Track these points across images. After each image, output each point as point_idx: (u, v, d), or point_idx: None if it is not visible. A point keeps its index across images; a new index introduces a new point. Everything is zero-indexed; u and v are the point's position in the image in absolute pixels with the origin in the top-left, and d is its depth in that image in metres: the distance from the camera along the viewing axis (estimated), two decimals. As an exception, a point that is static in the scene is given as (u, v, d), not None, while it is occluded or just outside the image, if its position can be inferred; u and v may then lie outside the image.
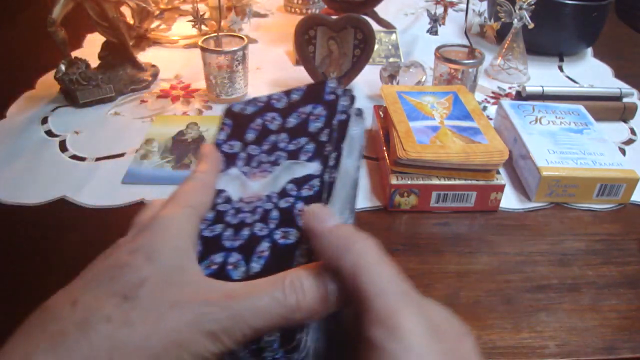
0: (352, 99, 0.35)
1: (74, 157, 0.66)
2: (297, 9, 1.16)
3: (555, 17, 0.90)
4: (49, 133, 0.71)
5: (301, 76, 0.83)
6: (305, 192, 0.32)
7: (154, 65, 0.87)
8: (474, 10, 0.91)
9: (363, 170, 0.64)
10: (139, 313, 0.24)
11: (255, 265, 0.29)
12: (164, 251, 0.27)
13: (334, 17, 0.78)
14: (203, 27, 0.79)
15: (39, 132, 0.71)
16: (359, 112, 0.36)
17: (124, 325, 0.23)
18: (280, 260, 0.29)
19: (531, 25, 0.82)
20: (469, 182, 0.57)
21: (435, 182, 0.56)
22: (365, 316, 0.23)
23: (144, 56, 0.92)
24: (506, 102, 0.72)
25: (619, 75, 0.93)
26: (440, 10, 0.87)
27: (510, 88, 0.87)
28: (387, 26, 1.01)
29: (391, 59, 0.93)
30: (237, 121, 0.39)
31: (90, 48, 0.93)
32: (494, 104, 0.81)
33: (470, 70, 0.74)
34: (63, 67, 0.75)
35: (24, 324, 0.24)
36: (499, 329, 0.45)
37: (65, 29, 0.73)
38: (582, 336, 0.44)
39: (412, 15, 1.17)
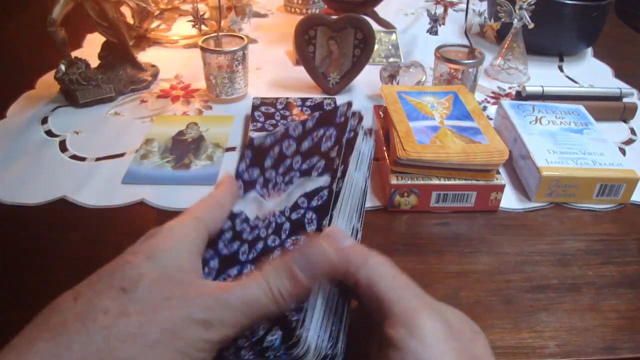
0: (361, 119, 0.37)
1: (74, 157, 0.66)
2: (297, 9, 1.16)
3: (555, 17, 0.90)
4: (49, 133, 0.71)
5: (301, 76, 0.83)
6: (314, 202, 0.33)
7: (154, 65, 0.87)
8: (474, 10, 0.91)
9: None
10: (135, 305, 0.25)
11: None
12: (164, 252, 0.28)
13: (334, 17, 0.78)
14: (203, 27, 0.79)
15: (39, 132, 0.71)
16: (369, 132, 0.38)
17: (120, 315, 0.25)
18: None
19: (531, 25, 0.82)
20: (469, 182, 0.57)
21: (435, 182, 0.56)
22: (387, 319, 0.25)
23: (144, 56, 0.92)
24: (506, 102, 0.72)
25: (619, 75, 0.93)
26: (440, 10, 0.87)
27: (510, 88, 0.87)
28: (387, 26, 1.01)
29: (391, 59, 0.93)
30: (257, 152, 0.41)
31: (90, 48, 0.93)
32: (494, 104, 0.81)
33: (470, 70, 0.74)
34: (63, 67, 0.75)
35: (32, 320, 0.26)
36: (499, 329, 0.45)
37: (65, 29, 0.73)
38: (582, 336, 0.44)
39: (412, 15, 1.18)
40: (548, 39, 0.94)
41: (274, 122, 0.70)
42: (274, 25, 1.11)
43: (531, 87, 0.77)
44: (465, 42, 0.77)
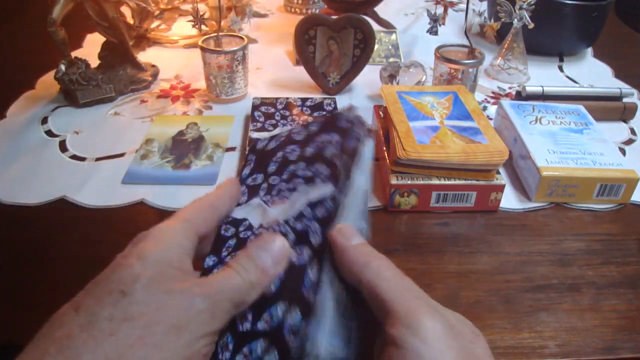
0: (367, 130, 0.37)
1: (74, 157, 0.66)
2: (297, 9, 1.16)
3: (555, 17, 0.90)
4: (49, 133, 0.71)
5: (301, 76, 0.83)
6: (318, 211, 0.33)
7: (154, 65, 0.87)
8: (474, 10, 0.91)
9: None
10: (138, 307, 0.26)
11: (272, 287, 0.30)
12: (154, 252, 0.28)
13: (334, 17, 0.78)
14: (203, 27, 0.79)
15: (39, 132, 0.71)
16: (368, 132, 0.37)
17: (125, 320, 0.25)
18: (293, 278, 0.30)
19: (531, 25, 0.82)
20: (469, 182, 0.57)
21: (435, 182, 0.56)
22: (388, 318, 0.26)
23: (144, 56, 0.92)
24: (506, 102, 0.72)
25: (619, 75, 0.93)
26: (440, 10, 0.87)
27: (510, 88, 0.87)
28: (387, 26, 1.01)
29: (391, 59, 0.93)
30: (260, 156, 0.41)
31: (90, 48, 0.93)
32: (494, 104, 0.81)
33: (470, 70, 0.74)
34: (63, 67, 0.75)
35: (34, 336, 0.25)
36: (499, 329, 0.45)
37: (65, 29, 0.73)
38: (582, 336, 0.44)
39: (412, 15, 1.18)
40: (548, 39, 0.94)
41: (274, 122, 0.70)
42: (274, 25, 1.11)
43: (531, 87, 0.77)
44: (465, 42, 0.77)
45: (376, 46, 0.85)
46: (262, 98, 0.75)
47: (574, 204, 0.60)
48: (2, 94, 0.80)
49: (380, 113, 0.68)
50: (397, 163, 0.57)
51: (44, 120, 0.74)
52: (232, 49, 0.75)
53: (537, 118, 0.68)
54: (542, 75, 0.91)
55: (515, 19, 0.84)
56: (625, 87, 0.82)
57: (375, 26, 0.87)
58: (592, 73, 0.93)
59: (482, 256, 0.53)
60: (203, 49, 0.75)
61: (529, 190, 0.61)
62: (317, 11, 1.12)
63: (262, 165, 0.40)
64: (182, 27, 1.01)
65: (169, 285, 0.27)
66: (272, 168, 0.39)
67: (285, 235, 0.33)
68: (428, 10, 0.86)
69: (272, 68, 0.91)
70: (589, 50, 1.02)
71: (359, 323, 0.29)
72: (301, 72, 0.83)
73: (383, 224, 0.57)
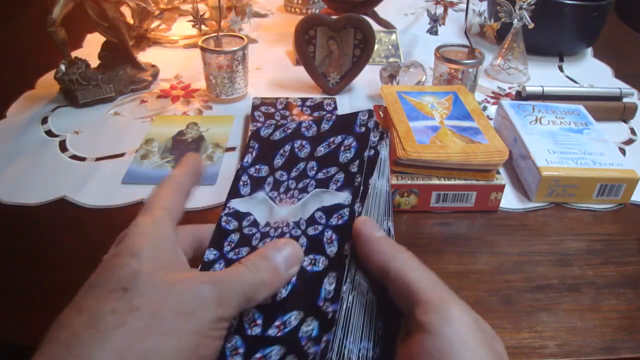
0: (382, 134, 0.36)
1: (74, 157, 0.66)
2: (297, 9, 1.16)
3: (555, 17, 0.90)
4: (49, 133, 0.71)
5: (301, 76, 0.83)
6: (334, 220, 0.32)
7: (154, 65, 0.87)
8: (474, 10, 0.91)
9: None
10: (142, 298, 0.25)
11: (283, 291, 0.30)
12: (145, 247, 0.28)
13: (334, 17, 0.78)
14: (203, 27, 0.79)
15: (39, 132, 0.71)
16: (386, 134, 0.37)
17: (130, 311, 0.25)
18: (308, 287, 0.30)
19: (531, 25, 0.82)
20: (469, 182, 0.57)
21: (435, 182, 0.56)
22: (418, 306, 0.26)
23: (144, 56, 0.92)
24: (506, 102, 0.72)
25: (619, 75, 0.93)
26: (440, 10, 0.87)
27: (510, 88, 0.87)
28: (387, 26, 1.01)
29: (391, 59, 0.93)
30: (264, 145, 0.39)
31: (90, 48, 0.93)
32: (494, 104, 0.81)
33: (470, 70, 0.74)
34: (63, 67, 0.75)
35: (40, 345, 0.25)
36: (499, 329, 0.45)
37: (65, 29, 0.73)
38: (582, 336, 0.44)
39: (412, 15, 1.18)
40: (548, 39, 0.94)
41: (273, 122, 0.70)
42: (274, 25, 1.11)
43: (531, 87, 0.77)
44: (465, 42, 0.77)
45: (376, 46, 0.85)
46: (262, 98, 0.75)
47: (574, 204, 0.60)
48: (2, 94, 0.80)
49: (380, 113, 0.68)
50: (397, 163, 0.57)
51: (44, 120, 0.74)
52: (232, 49, 0.75)
53: (537, 118, 0.68)
54: (542, 75, 0.91)
55: (515, 19, 0.83)
56: (625, 87, 0.82)
57: (375, 26, 0.87)
58: (592, 73, 0.93)
59: (482, 256, 0.53)
60: (203, 49, 0.75)
61: (529, 190, 0.61)
62: (317, 11, 1.12)
63: (266, 156, 0.39)
64: (182, 27, 1.01)
65: (171, 277, 0.27)
66: (278, 162, 0.38)
67: (296, 238, 0.32)
68: (428, 10, 0.86)
69: (272, 68, 0.91)
70: (589, 50, 1.02)
71: (385, 320, 0.29)
72: (301, 72, 0.83)
73: (383, 224, 0.57)
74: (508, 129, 0.68)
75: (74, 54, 0.78)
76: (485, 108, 0.80)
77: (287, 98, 0.75)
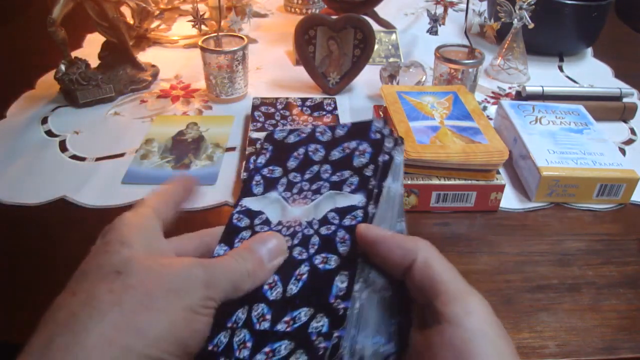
0: (396, 141, 0.36)
1: (74, 157, 0.66)
2: (297, 9, 1.16)
3: (555, 17, 0.90)
4: (49, 133, 0.71)
5: (301, 76, 0.83)
6: (347, 221, 0.33)
7: (154, 65, 0.87)
8: (474, 10, 0.91)
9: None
10: (137, 277, 0.26)
11: (293, 287, 0.30)
12: (133, 238, 0.29)
13: (334, 17, 0.78)
14: (203, 27, 0.79)
15: (39, 132, 0.71)
16: (401, 141, 0.37)
17: (126, 289, 0.26)
18: (319, 284, 0.30)
19: (531, 25, 0.82)
20: (469, 182, 0.57)
21: (435, 182, 0.56)
22: (440, 297, 0.27)
23: (144, 56, 0.92)
24: (506, 102, 0.72)
25: (619, 75, 0.93)
26: (440, 10, 0.87)
27: (510, 88, 0.87)
28: (387, 26, 1.01)
29: (391, 59, 0.93)
30: (278, 148, 0.40)
31: (90, 48, 0.93)
32: (494, 104, 0.81)
33: (470, 70, 0.74)
34: (63, 67, 0.75)
35: (36, 329, 0.25)
36: (499, 329, 0.45)
37: (65, 29, 0.73)
38: (582, 336, 0.44)
39: (412, 15, 1.18)
40: (548, 39, 0.94)
41: (273, 122, 0.70)
42: (274, 25, 1.11)
43: (531, 87, 0.77)
44: (465, 42, 0.77)
45: (376, 46, 0.85)
46: (262, 98, 0.75)
47: (574, 204, 0.60)
48: (2, 94, 0.80)
49: (380, 113, 0.68)
50: (397, 163, 0.57)
51: (44, 120, 0.74)
52: (232, 49, 0.75)
53: (537, 118, 0.68)
54: (542, 75, 0.91)
55: (515, 19, 0.83)
56: (625, 87, 0.82)
57: (375, 26, 0.87)
58: (592, 73, 0.93)
59: (482, 256, 0.53)
60: (203, 49, 0.75)
61: (529, 190, 0.61)
62: (317, 11, 1.12)
63: (280, 158, 0.39)
64: (182, 27, 1.01)
65: (162, 260, 0.28)
66: (292, 164, 0.38)
67: (308, 237, 0.33)
68: (428, 10, 0.86)
69: (272, 68, 0.91)
70: (589, 50, 1.02)
71: (399, 316, 0.30)
72: (301, 72, 0.83)
73: (383, 224, 0.57)
74: (508, 129, 0.68)
75: (74, 54, 0.78)
76: (485, 108, 0.80)
77: (287, 98, 0.75)
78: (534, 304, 0.47)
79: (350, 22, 0.77)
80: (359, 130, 0.38)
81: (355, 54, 0.79)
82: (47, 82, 0.83)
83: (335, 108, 0.74)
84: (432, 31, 0.85)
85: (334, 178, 0.36)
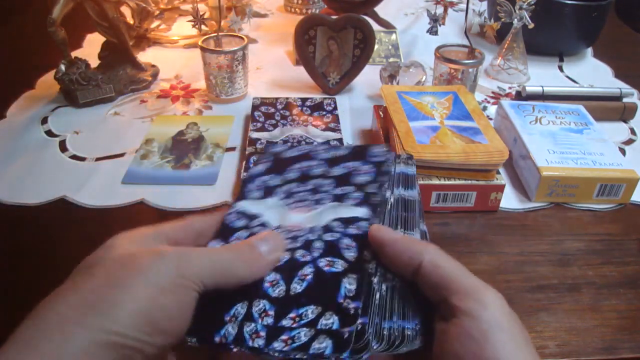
0: (395, 157, 0.39)
1: (74, 157, 0.66)
2: (297, 9, 1.16)
3: (555, 17, 0.90)
4: (49, 133, 0.71)
5: (301, 76, 0.83)
6: (352, 230, 0.33)
7: (154, 65, 0.87)
8: (474, 10, 0.91)
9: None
10: (103, 267, 0.28)
11: (297, 287, 0.31)
12: (118, 242, 0.30)
13: (334, 17, 0.78)
14: (203, 27, 0.79)
15: (39, 132, 0.71)
16: (410, 159, 0.39)
17: (88, 277, 0.27)
18: (326, 286, 0.30)
19: (531, 25, 0.82)
20: (469, 182, 0.57)
21: (435, 182, 0.56)
22: (455, 294, 0.28)
23: (144, 56, 0.92)
24: (506, 102, 0.72)
25: (619, 75, 0.93)
26: (440, 10, 0.87)
27: (510, 88, 0.87)
28: (387, 26, 1.01)
29: (391, 59, 0.93)
30: (277, 160, 0.41)
31: (90, 48, 0.93)
32: (494, 104, 0.81)
33: (470, 70, 0.74)
34: (63, 67, 0.75)
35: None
36: (499, 329, 0.45)
37: (65, 29, 0.73)
38: (582, 336, 0.44)
39: (412, 15, 1.18)
40: (548, 39, 0.94)
41: (274, 122, 0.70)
42: (274, 25, 1.11)
43: (531, 87, 0.77)
44: (465, 42, 0.77)
45: (376, 46, 0.85)
46: (262, 98, 0.75)
47: (574, 204, 0.60)
48: (2, 94, 0.80)
49: (380, 113, 0.68)
50: (397, 163, 0.57)
51: (44, 120, 0.74)
52: (232, 49, 0.75)
53: (537, 118, 0.68)
54: (542, 75, 0.91)
55: (515, 19, 0.84)
56: (625, 87, 0.82)
57: (375, 26, 0.87)
58: (592, 73, 0.93)
59: (482, 256, 0.53)
60: (203, 49, 0.75)
61: (529, 190, 0.61)
62: (317, 11, 1.12)
63: (279, 169, 0.40)
64: (182, 27, 1.01)
65: (135, 250, 0.29)
66: (292, 175, 0.39)
67: (311, 242, 0.33)
68: (428, 10, 0.86)
69: (272, 68, 0.91)
70: (589, 50, 1.02)
71: (423, 302, 0.30)
72: (301, 72, 0.83)
73: (383, 224, 0.57)
74: (508, 129, 0.68)
75: (74, 54, 0.78)
76: (485, 108, 0.80)
77: (287, 98, 0.75)
78: (534, 304, 0.47)
79: (350, 22, 0.77)
80: (360, 152, 0.40)
81: (355, 54, 0.79)
82: (47, 82, 0.83)
83: (335, 108, 0.74)
84: (432, 31, 0.85)
85: (337, 191, 0.37)
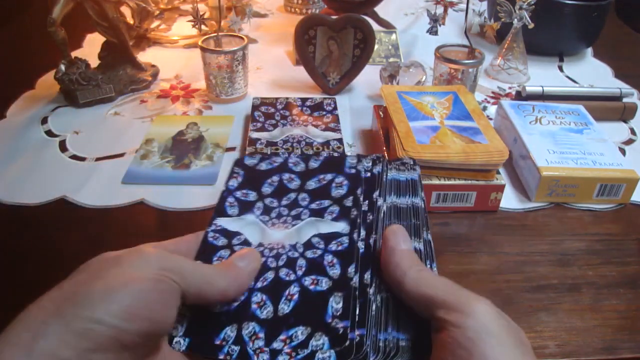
0: (375, 160, 0.39)
1: (74, 157, 0.66)
2: (297, 9, 1.16)
3: (555, 17, 0.90)
4: (49, 133, 0.71)
5: (301, 76, 0.83)
6: (334, 246, 0.34)
7: (154, 65, 0.87)
8: (474, 10, 0.91)
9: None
10: (86, 268, 0.29)
11: (285, 307, 0.31)
12: (115, 253, 0.31)
13: (334, 17, 0.78)
14: (203, 27, 0.79)
15: (39, 132, 0.71)
16: (379, 160, 0.39)
17: (71, 277, 0.28)
18: (313, 304, 0.31)
19: (531, 25, 0.82)
20: (469, 182, 0.57)
21: (435, 182, 0.56)
22: (440, 308, 0.29)
23: (144, 56, 0.92)
24: (506, 102, 0.72)
25: (619, 75, 0.93)
26: (440, 10, 0.87)
27: (510, 88, 0.87)
28: (387, 26, 1.01)
29: (391, 59, 0.93)
30: (250, 173, 0.41)
31: (90, 48, 0.93)
32: (494, 104, 0.81)
33: (470, 70, 0.74)
34: (63, 67, 0.75)
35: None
36: (499, 329, 0.45)
37: (65, 29, 0.73)
38: (582, 336, 0.44)
39: (412, 15, 1.18)
40: (548, 39, 0.94)
41: (273, 122, 0.70)
42: (274, 25, 1.11)
43: (531, 87, 0.77)
44: (465, 42, 0.77)
45: (376, 46, 0.85)
46: (262, 98, 0.75)
47: (574, 204, 0.60)
48: (2, 94, 0.80)
49: (380, 113, 0.68)
50: (397, 163, 0.57)
51: (44, 120, 0.74)
52: (232, 49, 0.75)
53: (537, 118, 0.68)
54: (542, 75, 0.91)
55: (515, 19, 0.84)
56: (625, 87, 0.82)
57: (375, 26, 0.87)
58: (592, 73, 0.93)
59: (482, 256, 0.53)
60: (203, 49, 0.75)
61: (529, 190, 0.61)
62: (317, 11, 1.12)
63: (253, 183, 0.40)
64: (182, 27, 1.01)
65: (120, 252, 0.30)
66: (267, 189, 0.39)
67: (294, 260, 0.33)
68: (428, 10, 0.86)
69: (272, 68, 0.91)
70: (589, 50, 1.02)
71: (411, 317, 0.31)
72: (301, 72, 0.83)
73: (383, 224, 0.57)
74: (508, 129, 0.68)
75: (74, 54, 0.78)
76: (485, 108, 0.80)
77: (287, 98, 0.75)
78: (534, 304, 0.47)
79: (350, 22, 0.77)
80: (333, 164, 0.40)
81: (355, 54, 0.79)
82: (47, 82, 0.83)
83: (335, 108, 0.74)
84: (432, 31, 0.85)
85: (313, 206, 0.37)
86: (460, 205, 0.58)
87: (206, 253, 0.35)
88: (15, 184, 0.61)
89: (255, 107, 0.73)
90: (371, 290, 0.30)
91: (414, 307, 0.30)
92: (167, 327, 0.28)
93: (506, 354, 0.27)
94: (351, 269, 0.32)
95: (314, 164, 0.40)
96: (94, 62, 0.79)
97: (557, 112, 0.69)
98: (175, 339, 0.30)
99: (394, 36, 0.97)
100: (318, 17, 0.78)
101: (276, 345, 0.29)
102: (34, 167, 0.64)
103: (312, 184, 0.39)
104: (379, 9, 1.00)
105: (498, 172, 0.58)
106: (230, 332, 0.30)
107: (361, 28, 0.77)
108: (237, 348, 0.29)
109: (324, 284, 0.31)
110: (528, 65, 0.89)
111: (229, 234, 0.36)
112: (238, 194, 0.39)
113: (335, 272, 0.32)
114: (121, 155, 0.67)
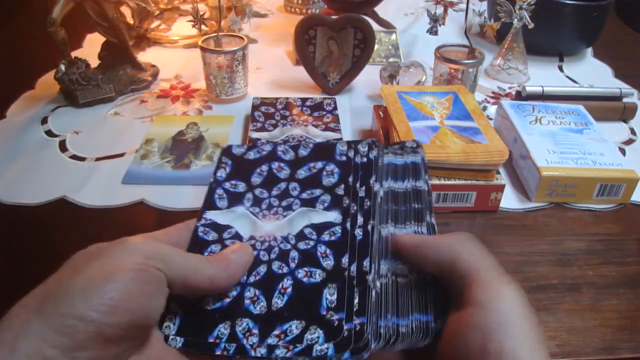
0: (371, 145, 0.38)
1: (74, 157, 0.66)
2: (297, 9, 1.16)
3: (555, 17, 0.90)
4: (49, 133, 0.71)
5: (301, 76, 0.83)
6: (326, 237, 0.33)
7: (154, 65, 0.87)
8: (474, 10, 0.91)
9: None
10: (71, 260, 0.29)
11: (279, 301, 0.30)
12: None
13: (334, 17, 0.78)
14: (203, 27, 0.79)
15: (39, 132, 0.71)
16: (374, 144, 0.38)
17: (56, 272, 0.28)
18: (306, 297, 0.30)
19: (531, 25, 0.82)
20: (469, 182, 0.57)
21: (435, 182, 0.56)
22: (472, 286, 0.28)
23: (144, 56, 0.92)
24: (506, 102, 0.72)
25: (619, 75, 0.93)
26: (440, 10, 0.87)
27: (510, 88, 0.87)
28: (387, 26, 1.01)
29: (391, 59, 0.93)
30: (238, 163, 0.40)
31: (90, 48, 0.93)
32: (494, 104, 0.81)
33: (470, 70, 0.74)
34: (63, 67, 0.75)
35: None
36: (499, 329, 0.45)
37: (65, 29, 0.73)
38: (582, 336, 0.44)
39: (412, 15, 1.18)
40: (548, 39, 0.94)
41: (273, 122, 0.70)
42: (274, 25, 1.11)
43: (531, 87, 0.77)
44: (465, 42, 0.77)
45: (376, 46, 0.85)
46: (262, 98, 0.75)
47: (574, 204, 0.60)
48: (2, 94, 0.80)
49: (380, 113, 0.68)
50: (397, 163, 0.57)
51: (44, 120, 0.74)
52: (232, 49, 0.75)
53: (537, 118, 0.68)
54: (542, 75, 0.91)
55: (515, 19, 0.84)
56: (625, 87, 0.82)
57: (375, 26, 0.87)
58: (592, 73, 0.93)
59: (482, 256, 0.53)
60: (203, 49, 0.75)
61: (529, 190, 0.61)
62: (317, 11, 1.12)
63: (242, 173, 0.39)
64: (182, 27, 1.01)
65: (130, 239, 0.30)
66: (256, 179, 0.38)
67: (287, 252, 0.33)
68: (428, 10, 0.86)
69: (272, 68, 0.91)
70: (589, 50, 1.02)
71: (429, 294, 0.31)
72: (301, 72, 0.83)
73: (383, 224, 0.57)
74: (508, 129, 0.68)
75: (74, 54, 0.78)
76: (485, 108, 0.80)
77: (287, 98, 0.75)
78: (534, 304, 0.47)
79: (350, 22, 0.77)
80: (323, 151, 0.39)
81: (355, 54, 0.79)
82: (47, 82, 0.83)
83: (335, 108, 0.74)
84: (432, 31, 0.85)
85: (304, 195, 0.36)
86: (460, 205, 0.58)
87: (197, 248, 0.34)
88: (15, 184, 0.61)
89: (255, 107, 0.73)
90: (370, 277, 0.30)
91: (448, 282, 0.30)
92: (153, 317, 0.28)
93: (523, 347, 0.26)
94: (345, 260, 0.31)
95: (303, 152, 0.39)
96: (94, 62, 0.79)
97: (557, 112, 0.69)
98: (171, 337, 0.30)
99: (394, 36, 0.97)
100: (318, 17, 0.78)
101: (270, 340, 0.29)
102: (34, 167, 0.64)
103: (302, 173, 0.38)
104: (379, 9, 1.00)
105: (498, 172, 0.58)
106: (223, 329, 0.30)
107: (361, 28, 0.77)
108: (232, 345, 0.29)
109: (318, 275, 0.31)
110: (528, 65, 0.89)
111: (219, 228, 0.35)
112: (227, 185, 0.38)
113: (328, 263, 0.32)
114: (121, 155, 0.67)
